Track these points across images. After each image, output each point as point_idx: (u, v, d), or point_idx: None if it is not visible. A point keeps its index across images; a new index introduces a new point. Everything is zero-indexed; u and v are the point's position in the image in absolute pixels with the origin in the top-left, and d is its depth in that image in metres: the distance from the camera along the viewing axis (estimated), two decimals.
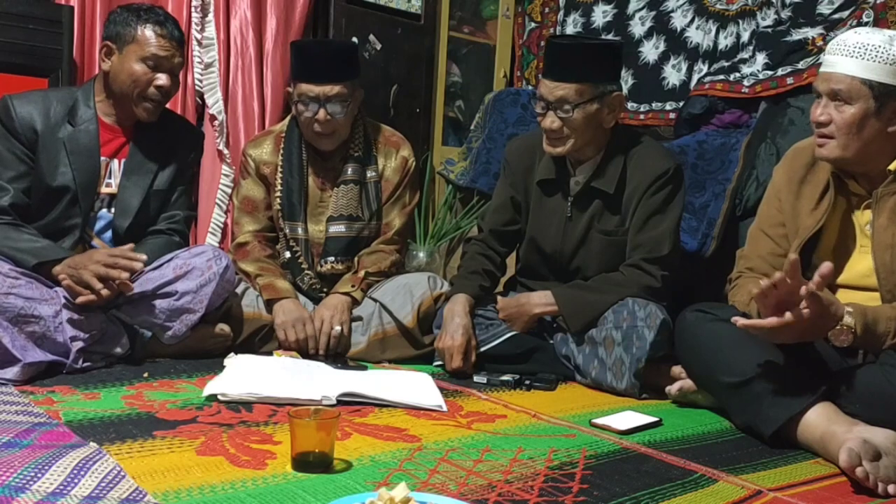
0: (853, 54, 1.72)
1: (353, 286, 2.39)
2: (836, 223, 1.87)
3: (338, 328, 2.29)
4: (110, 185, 2.21)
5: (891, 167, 1.78)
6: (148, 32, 2.14)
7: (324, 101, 2.34)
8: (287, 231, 2.47)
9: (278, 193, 2.47)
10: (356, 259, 2.47)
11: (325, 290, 2.47)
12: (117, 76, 2.16)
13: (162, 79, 2.16)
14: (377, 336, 2.35)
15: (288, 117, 2.55)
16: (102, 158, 2.19)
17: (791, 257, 1.57)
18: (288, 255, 2.49)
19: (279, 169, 2.47)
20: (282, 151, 2.48)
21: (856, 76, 1.71)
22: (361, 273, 2.42)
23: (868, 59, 1.70)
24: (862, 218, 1.85)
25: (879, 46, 1.70)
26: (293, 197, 2.45)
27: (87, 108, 2.18)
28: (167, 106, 2.28)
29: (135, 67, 2.14)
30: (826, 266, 1.59)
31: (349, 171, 2.47)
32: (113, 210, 2.22)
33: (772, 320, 1.61)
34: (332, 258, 2.46)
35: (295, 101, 2.40)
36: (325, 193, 2.49)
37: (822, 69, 1.79)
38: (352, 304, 2.37)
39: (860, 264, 1.83)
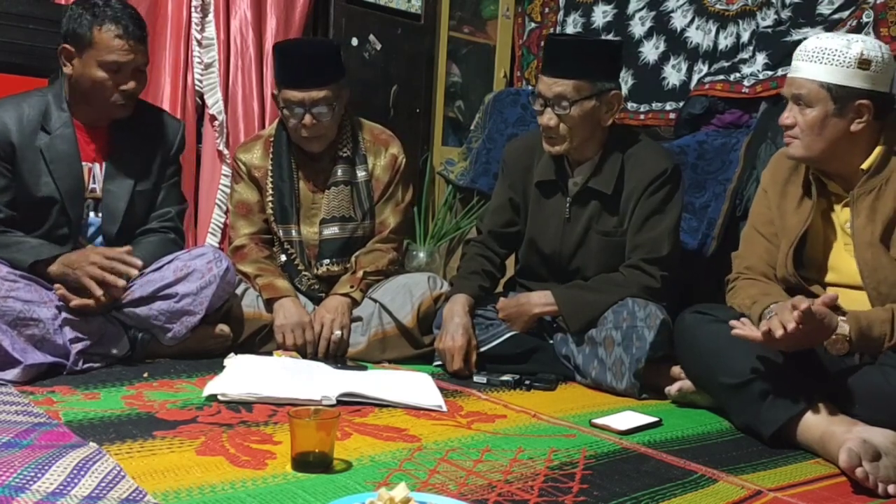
0: (813, 59, 1.78)
1: (351, 287, 2.38)
2: (819, 223, 1.89)
3: (338, 332, 2.29)
4: (95, 190, 2.17)
5: (864, 166, 1.81)
6: (105, 36, 2.02)
7: (309, 105, 2.32)
8: (281, 234, 2.47)
9: (270, 198, 2.46)
10: (353, 259, 2.47)
11: (323, 291, 2.46)
12: (80, 82, 2.07)
13: (129, 84, 2.08)
14: (377, 336, 2.35)
15: (276, 121, 2.54)
16: (84, 164, 2.14)
17: (802, 307, 1.58)
18: (284, 258, 2.49)
19: (269, 173, 2.47)
20: (271, 156, 2.47)
21: (814, 80, 1.77)
22: (360, 273, 2.41)
23: (825, 63, 1.76)
24: (842, 216, 1.87)
25: (837, 50, 1.75)
26: (284, 200, 2.45)
27: (60, 112, 2.11)
28: (146, 98, 2.21)
29: (97, 74, 2.04)
30: (830, 297, 1.65)
31: (339, 172, 2.46)
32: (100, 216, 2.18)
33: (763, 333, 1.64)
34: (327, 260, 2.46)
35: (281, 106, 2.39)
36: (316, 196, 2.48)
37: (788, 74, 1.86)
38: (352, 304, 2.37)
39: (846, 263, 1.85)
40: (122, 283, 1.98)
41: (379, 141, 2.55)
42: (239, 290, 2.34)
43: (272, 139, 2.49)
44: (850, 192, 1.82)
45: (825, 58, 1.76)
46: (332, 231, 2.46)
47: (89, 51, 2.04)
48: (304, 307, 2.35)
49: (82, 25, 2.03)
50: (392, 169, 2.52)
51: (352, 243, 2.48)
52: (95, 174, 2.17)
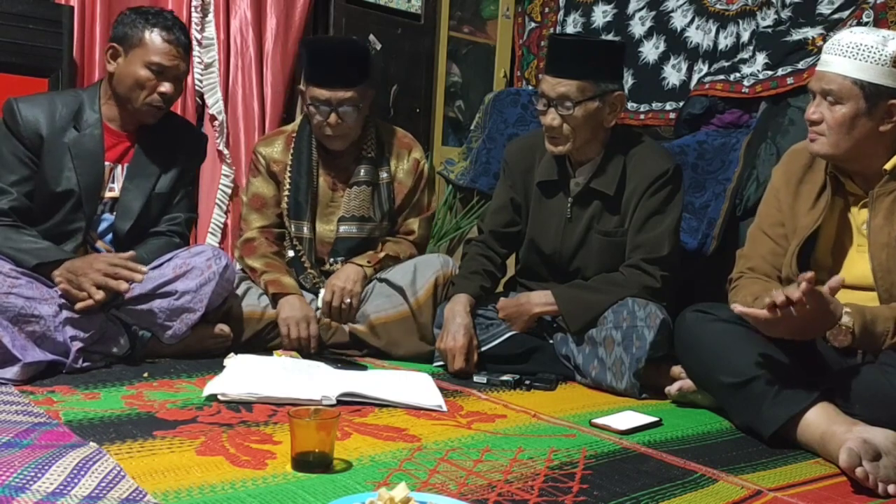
0: (846, 54, 1.73)
1: (368, 262, 2.42)
2: (833, 223, 1.88)
3: (348, 300, 2.33)
4: (113, 190, 2.21)
5: (887, 166, 1.78)
6: (154, 38, 2.13)
7: (336, 104, 2.34)
8: (292, 230, 2.49)
9: (286, 192, 2.48)
10: (380, 243, 2.50)
11: None
12: (121, 79, 2.15)
13: (166, 86, 2.15)
14: (379, 320, 2.38)
15: (300, 117, 2.56)
16: (106, 164, 2.18)
17: (807, 275, 1.56)
18: (291, 253, 2.50)
19: (288, 168, 2.48)
20: (292, 151, 2.49)
21: (847, 76, 1.73)
22: (381, 254, 2.45)
23: (860, 60, 1.71)
24: (858, 217, 1.85)
25: (872, 47, 1.70)
26: (300, 196, 2.46)
27: (92, 112, 2.17)
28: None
29: (139, 72, 2.13)
30: (837, 279, 1.61)
31: (362, 172, 2.48)
32: (115, 213, 2.21)
33: (768, 311, 1.62)
34: (341, 258, 2.47)
35: (307, 102, 2.40)
36: (336, 194, 2.50)
37: (817, 68, 1.81)
38: (364, 277, 2.40)
39: (858, 264, 1.83)
40: (124, 286, 2.00)
41: (402, 144, 2.57)
42: (240, 291, 2.35)
43: (294, 135, 2.51)
44: (870, 192, 1.81)
45: (860, 54, 1.71)
46: (349, 229, 2.47)
47: (136, 50, 2.13)
48: (309, 304, 2.35)
49: (135, 27, 2.14)
50: (415, 174, 2.55)
51: (367, 244, 2.49)
52: (116, 175, 2.21)
